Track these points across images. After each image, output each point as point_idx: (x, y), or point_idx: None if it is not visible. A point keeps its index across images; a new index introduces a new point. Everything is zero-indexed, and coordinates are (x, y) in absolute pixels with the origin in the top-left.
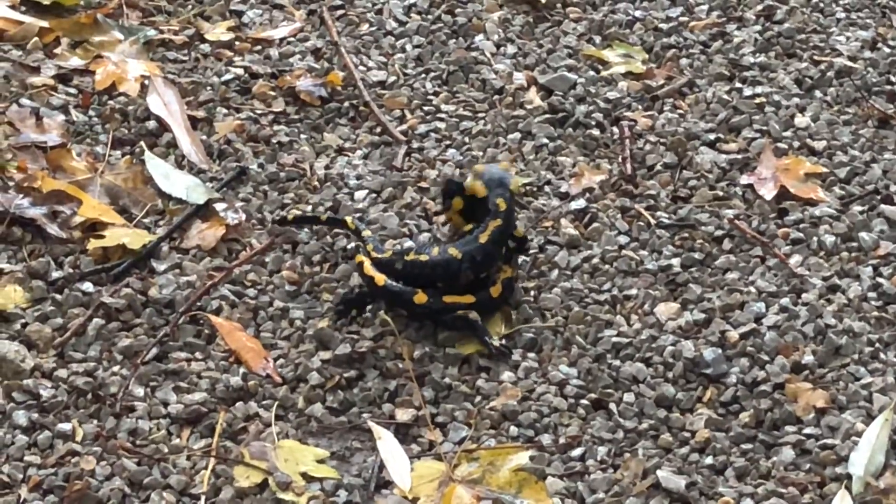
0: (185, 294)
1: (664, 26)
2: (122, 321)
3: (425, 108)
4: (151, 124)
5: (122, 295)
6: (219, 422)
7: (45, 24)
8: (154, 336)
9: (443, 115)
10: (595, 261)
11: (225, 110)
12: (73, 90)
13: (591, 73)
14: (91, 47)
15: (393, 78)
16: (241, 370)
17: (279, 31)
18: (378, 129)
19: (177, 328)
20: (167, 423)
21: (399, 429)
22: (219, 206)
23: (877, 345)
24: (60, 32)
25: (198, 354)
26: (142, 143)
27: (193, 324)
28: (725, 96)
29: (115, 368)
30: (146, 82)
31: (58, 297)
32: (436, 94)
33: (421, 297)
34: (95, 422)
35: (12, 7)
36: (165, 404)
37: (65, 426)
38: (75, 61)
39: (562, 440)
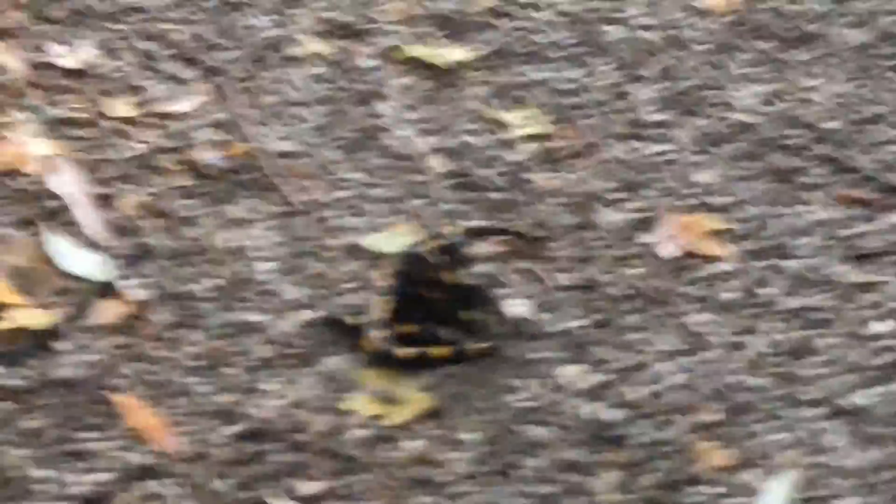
0: (87, 373)
1: (564, 87)
2: (23, 403)
3: (328, 178)
4: (54, 203)
5: (24, 376)
6: (121, 501)
7: None
8: (56, 416)
9: (346, 184)
10: (498, 326)
11: (128, 186)
12: None
13: (493, 136)
14: None
15: (296, 148)
16: (144, 448)
17: (181, 104)
18: (281, 200)
19: (79, 408)
20: None
21: (303, 503)
22: (122, 284)
23: (778, 401)
24: None
25: (100, 434)
26: (43, 222)
27: (96, 403)
28: (625, 156)
29: (16, 451)
30: (49, 161)
31: None
32: (339, 162)
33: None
34: None
35: None
36: (67, 485)
37: None
38: None
39: None
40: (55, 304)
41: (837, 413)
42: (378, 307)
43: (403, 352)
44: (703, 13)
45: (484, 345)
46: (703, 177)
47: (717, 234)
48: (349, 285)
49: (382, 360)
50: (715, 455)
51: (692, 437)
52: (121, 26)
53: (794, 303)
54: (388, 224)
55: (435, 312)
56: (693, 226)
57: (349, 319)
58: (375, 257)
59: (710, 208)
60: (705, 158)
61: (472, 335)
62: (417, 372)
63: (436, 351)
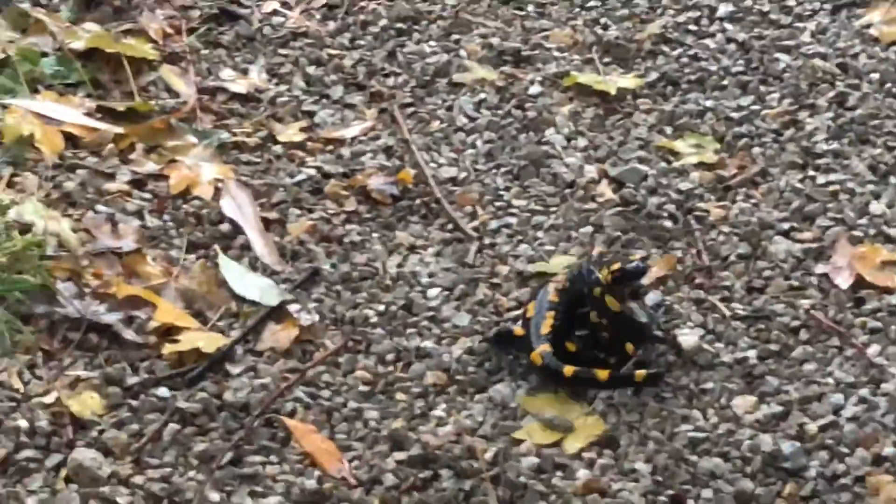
0: (259, 397)
1: (735, 115)
2: (197, 426)
3: (497, 204)
4: (225, 227)
5: (198, 399)
6: None
7: (119, 130)
8: (229, 440)
9: (514, 210)
10: (670, 355)
11: (297, 211)
12: (147, 195)
13: (663, 164)
14: (165, 152)
15: (464, 174)
16: (317, 473)
17: (350, 130)
18: (449, 226)
19: (252, 431)
20: None
21: None
22: (292, 308)
23: None
24: (135, 138)
25: (273, 458)
26: (216, 246)
27: (268, 427)
28: (799, 185)
29: (191, 473)
30: (220, 185)
31: (133, 402)
32: (507, 189)
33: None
34: None
35: (88, 114)
36: None
37: None
38: (150, 166)
39: None
40: (228, 328)
41: None
42: (547, 321)
43: (570, 370)
44: (877, 41)
45: (652, 370)
46: (879, 207)
47: (893, 264)
48: (518, 312)
49: (549, 376)
50: (893, 489)
51: (870, 470)
52: (289, 51)
53: None
54: (557, 251)
55: (601, 335)
56: (869, 256)
57: (517, 330)
58: (544, 284)
59: (887, 238)
60: (881, 188)
61: (635, 362)
62: (583, 393)
63: (602, 373)
